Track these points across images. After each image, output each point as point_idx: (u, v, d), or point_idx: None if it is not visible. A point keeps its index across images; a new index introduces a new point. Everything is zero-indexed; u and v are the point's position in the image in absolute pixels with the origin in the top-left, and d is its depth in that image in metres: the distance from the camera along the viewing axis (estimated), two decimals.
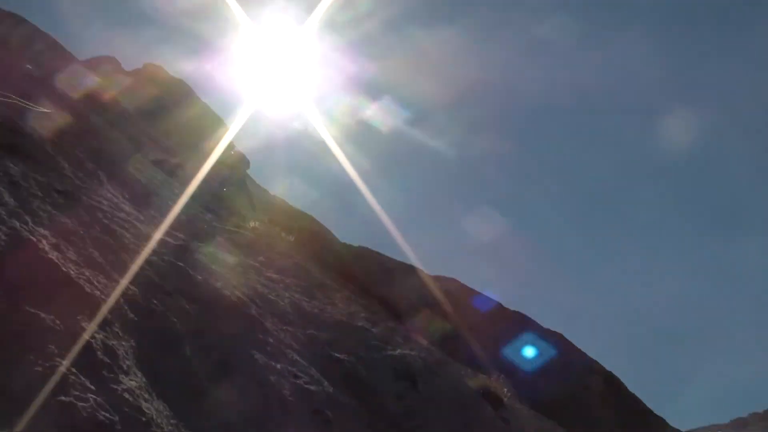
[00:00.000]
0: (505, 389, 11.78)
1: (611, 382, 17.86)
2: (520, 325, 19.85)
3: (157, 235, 9.35)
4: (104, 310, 5.65)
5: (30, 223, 6.18)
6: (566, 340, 19.19)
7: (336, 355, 9.08)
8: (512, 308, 20.39)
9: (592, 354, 18.77)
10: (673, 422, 17.56)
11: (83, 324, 5.11)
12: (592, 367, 18.19)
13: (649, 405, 17.53)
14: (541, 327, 20.36)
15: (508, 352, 16.80)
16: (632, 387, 17.94)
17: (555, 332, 19.64)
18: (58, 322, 4.83)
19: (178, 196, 12.98)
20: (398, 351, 10.24)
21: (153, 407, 4.89)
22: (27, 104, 10.35)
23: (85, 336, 4.96)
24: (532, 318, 20.44)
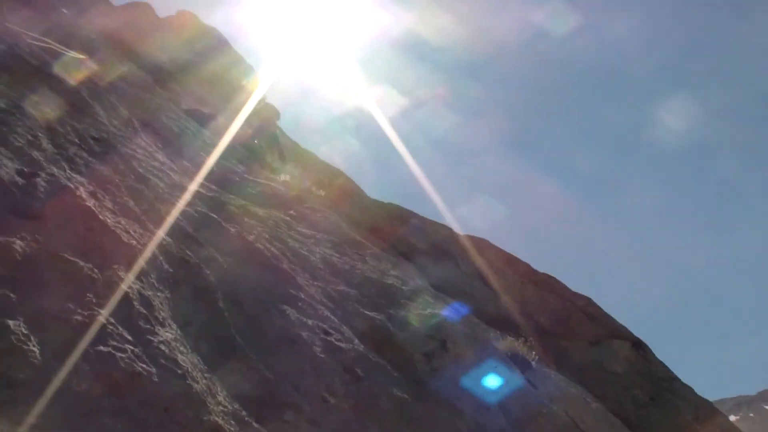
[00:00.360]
0: (533, 352, 11.73)
1: (639, 348, 17.75)
2: (547, 287, 19.71)
3: (191, 185, 9.32)
4: (140, 260, 5.64)
5: (67, 170, 6.15)
6: (595, 304, 19.04)
7: (366, 312, 9.05)
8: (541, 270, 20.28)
9: (620, 319, 18.67)
10: (700, 391, 17.42)
11: (120, 273, 5.10)
12: (619, 333, 18.07)
13: (677, 373, 17.45)
14: (569, 290, 20.22)
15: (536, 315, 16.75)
16: (660, 354, 17.84)
17: (583, 296, 19.50)
18: (96, 270, 4.81)
19: (210, 146, 12.92)
20: (428, 310, 10.19)
21: (188, 360, 4.88)
22: (62, 49, 10.27)
23: (123, 286, 4.95)
24: (561, 281, 20.29)
